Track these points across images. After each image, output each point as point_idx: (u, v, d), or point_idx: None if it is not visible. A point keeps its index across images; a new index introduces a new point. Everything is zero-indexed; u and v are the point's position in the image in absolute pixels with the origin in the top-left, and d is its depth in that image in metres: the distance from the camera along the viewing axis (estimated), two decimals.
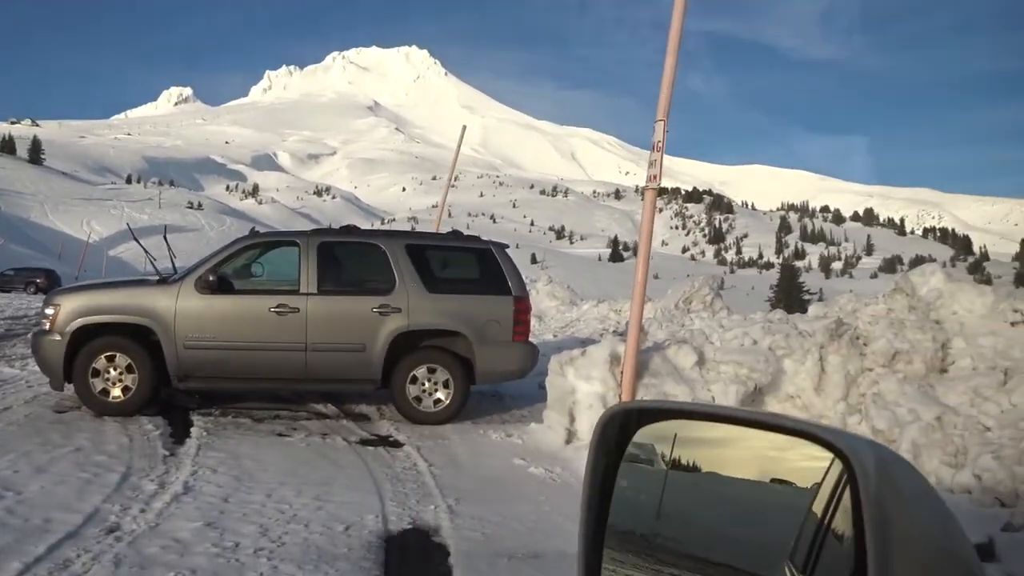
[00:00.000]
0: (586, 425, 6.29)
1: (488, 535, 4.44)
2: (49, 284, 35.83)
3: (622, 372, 6.31)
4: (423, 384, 7.39)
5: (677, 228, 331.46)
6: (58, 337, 6.97)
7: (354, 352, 7.23)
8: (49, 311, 7.13)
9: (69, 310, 7.06)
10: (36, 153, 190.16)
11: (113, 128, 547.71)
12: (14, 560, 3.64)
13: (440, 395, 7.41)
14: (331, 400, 8.15)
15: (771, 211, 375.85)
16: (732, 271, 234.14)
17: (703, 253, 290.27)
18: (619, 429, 1.22)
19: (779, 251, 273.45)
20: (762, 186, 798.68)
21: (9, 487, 4.73)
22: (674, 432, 1.19)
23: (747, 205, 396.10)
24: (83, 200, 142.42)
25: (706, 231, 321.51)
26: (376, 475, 5.55)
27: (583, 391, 6.44)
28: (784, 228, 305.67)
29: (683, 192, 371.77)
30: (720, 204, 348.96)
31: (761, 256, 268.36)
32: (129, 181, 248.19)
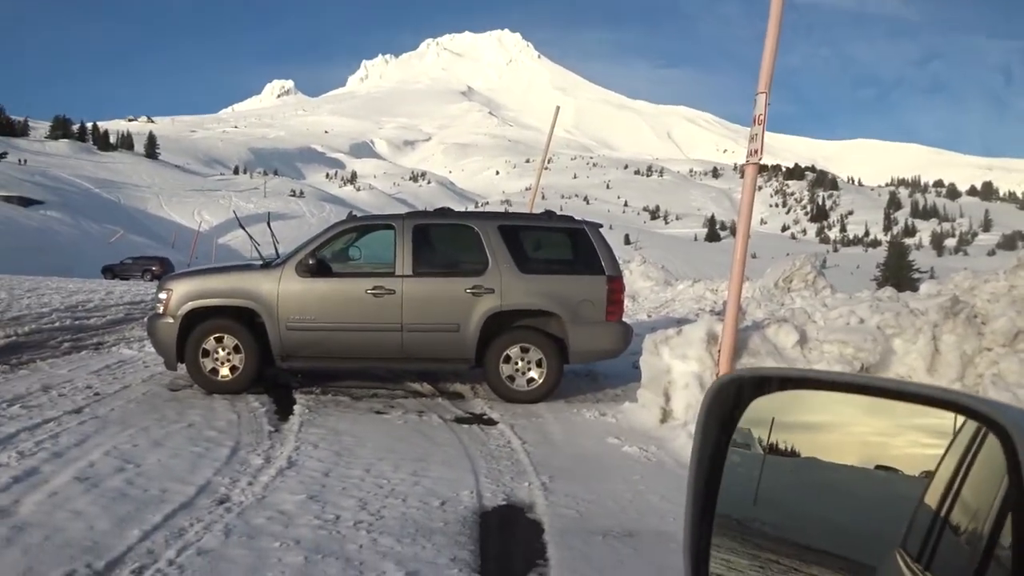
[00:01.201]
0: (682, 404, 6.18)
1: (582, 513, 4.43)
2: (163, 271, 37.77)
3: (719, 351, 6.16)
4: (516, 363, 7.42)
5: (777, 206, 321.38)
6: (171, 320, 7.32)
7: (448, 332, 7.31)
8: (162, 296, 7.49)
9: (180, 294, 7.40)
10: (152, 148, 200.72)
11: (221, 122, 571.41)
12: (134, 528, 3.86)
13: (533, 374, 7.42)
14: (427, 379, 8.29)
15: (879, 187, 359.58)
16: (835, 249, 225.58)
17: (804, 231, 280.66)
18: (731, 400, 1.15)
19: (887, 228, 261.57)
20: (870, 161, 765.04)
21: (129, 460, 5.01)
22: (772, 416, 1.14)
23: (853, 181, 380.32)
24: (194, 191, 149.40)
25: (808, 209, 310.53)
26: (471, 452, 5.61)
27: (678, 370, 6.32)
28: (893, 204, 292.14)
29: (783, 169, 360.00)
30: (823, 180, 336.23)
31: (867, 234, 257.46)
32: (236, 172, 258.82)
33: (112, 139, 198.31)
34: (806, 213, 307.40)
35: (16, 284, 20.95)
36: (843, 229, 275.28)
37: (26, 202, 71.08)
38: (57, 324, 12.19)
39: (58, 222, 65.00)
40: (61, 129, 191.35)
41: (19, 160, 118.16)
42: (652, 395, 6.49)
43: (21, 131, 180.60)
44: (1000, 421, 0.85)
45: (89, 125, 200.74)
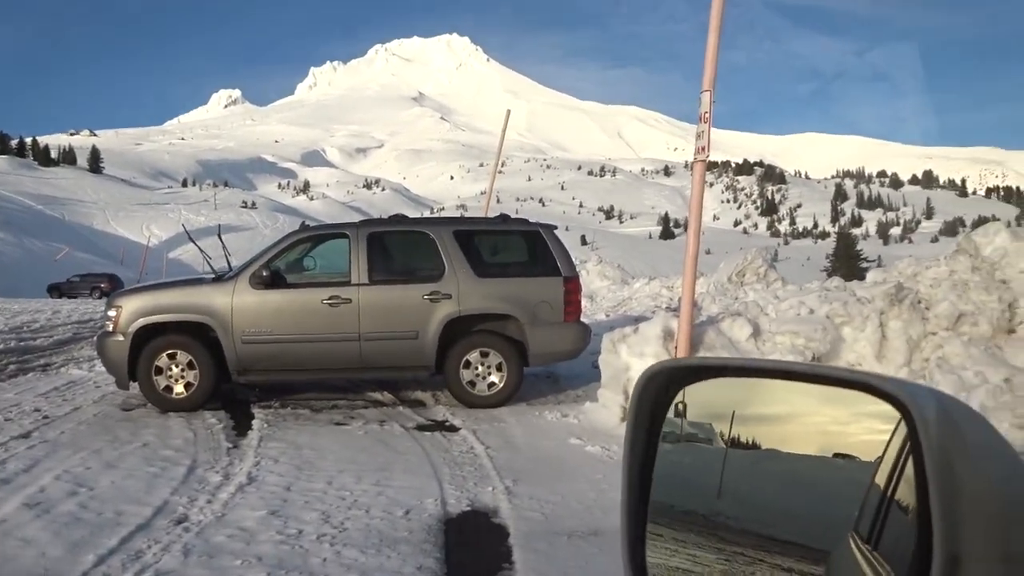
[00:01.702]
0: None
1: (547, 515, 4.43)
2: (112, 288, 36.93)
3: (676, 347, 6.22)
4: (476, 368, 7.40)
5: (728, 202, 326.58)
6: (121, 337, 7.16)
7: (407, 340, 7.27)
8: (111, 313, 7.32)
9: (130, 311, 7.24)
10: (96, 162, 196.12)
11: (167, 134, 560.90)
12: (88, 553, 3.76)
13: (494, 378, 7.41)
14: (387, 388, 8.24)
15: (825, 179, 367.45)
16: (786, 242, 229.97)
17: (756, 226, 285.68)
18: (661, 391, 1.17)
19: (835, 219, 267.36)
20: (815, 154, 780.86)
21: (82, 483, 4.88)
22: (732, 409, 1.15)
23: (800, 174, 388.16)
24: (142, 205, 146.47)
25: (758, 203, 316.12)
26: (434, 459, 5.58)
27: (637, 368, 6.36)
28: (839, 196, 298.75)
29: (733, 165, 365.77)
30: (772, 175, 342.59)
31: (816, 226, 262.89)
32: (185, 184, 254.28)
33: (53, 154, 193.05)
34: (756, 208, 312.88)
35: None
36: (792, 222, 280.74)
37: None
38: (1, 346, 11.84)
39: (0, 241, 63.15)
40: None
41: None
42: (612, 394, 6.53)
43: None
44: (896, 394, 0.89)
45: (28, 140, 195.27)
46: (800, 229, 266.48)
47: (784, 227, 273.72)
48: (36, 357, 11.05)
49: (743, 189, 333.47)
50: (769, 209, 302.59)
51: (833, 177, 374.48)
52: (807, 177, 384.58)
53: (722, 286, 12.60)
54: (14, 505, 4.42)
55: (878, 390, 0.95)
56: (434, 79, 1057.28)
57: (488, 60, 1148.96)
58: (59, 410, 7.20)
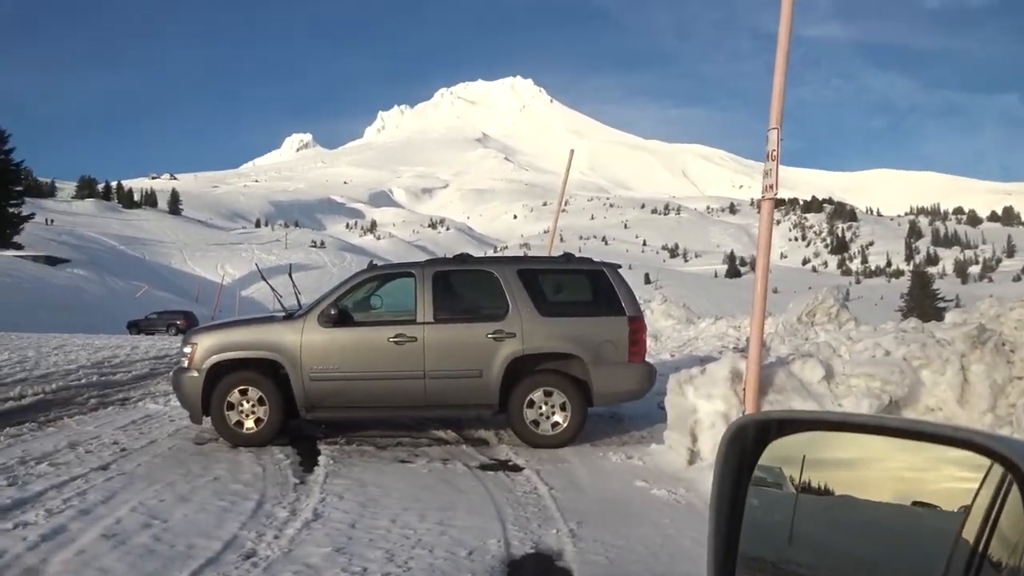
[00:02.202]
0: (709, 445, 6.10)
1: (612, 559, 4.35)
2: (188, 325, 38.09)
3: (744, 389, 6.09)
4: (540, 407, 7.37)
5: (796, 240, 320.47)
6: (196, 373, 7.37)
7: (471, 378, 7.30)
8: (187, 350, 7.55)
9: (205, 348, 7.46)
10: (175, 204, 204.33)
11: (242, 176, 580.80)
12: None
13: (558, 418, 7.37)
14: (451, 426, 8.26)
15: (898, 216, 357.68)
16: (858, 281, 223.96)
17: (825, 264, 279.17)
18: (749, 443, 1.15)
19: (909, 258, 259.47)
20: (887, 191, 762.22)
21: (156, 515, 5.01)
22: (803, 453, 1.13)
23: (872, 211, 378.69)
24: (217, 245, 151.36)
25: (828, 241, 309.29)
26: (497, 499, 5.55)
27: (704, 410, 6.26)
28: (914, 233, 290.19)
29: (801, 202, 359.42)
30: (842, 212, 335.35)
31: (889, 264, 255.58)
32: (258, 225, 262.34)
33: (136, 197, 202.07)
34: (826, 245, 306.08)
35: (44, 342, 21.19)
36: (864, 260, 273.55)
37: (53, 261, 72.19)
38: (84, 381, 12.30)
39: (84, 280, 65.92)
40: (87, 189, 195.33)
41: (46, 220, 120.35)
42: (678, 436, 6.42)
43: (48, 192, 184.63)
44: (1008, 456, 0.86)
45: (114, 184, 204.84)
46: (872, 267, 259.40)
47: (855, 265, 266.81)
48: (115, 391, 11.44)
49: (812, 227, 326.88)
50: (840, 247, 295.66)
51: (907, 214, 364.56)
52: (879, 214, 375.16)
53: (791, 326, 12.31)
54: (93, 536, 4.55)
55: (982, 447, 0.92)
56: (498, 121, 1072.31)
57: (551, 101, 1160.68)
58: (136, 443, 7.43)
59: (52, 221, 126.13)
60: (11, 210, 76.61)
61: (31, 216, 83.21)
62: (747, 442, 1.15)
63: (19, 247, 74.24)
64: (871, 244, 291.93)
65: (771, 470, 1.14)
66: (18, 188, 79.78)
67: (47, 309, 45.67)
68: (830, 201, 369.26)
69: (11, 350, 17.43)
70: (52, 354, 16.81)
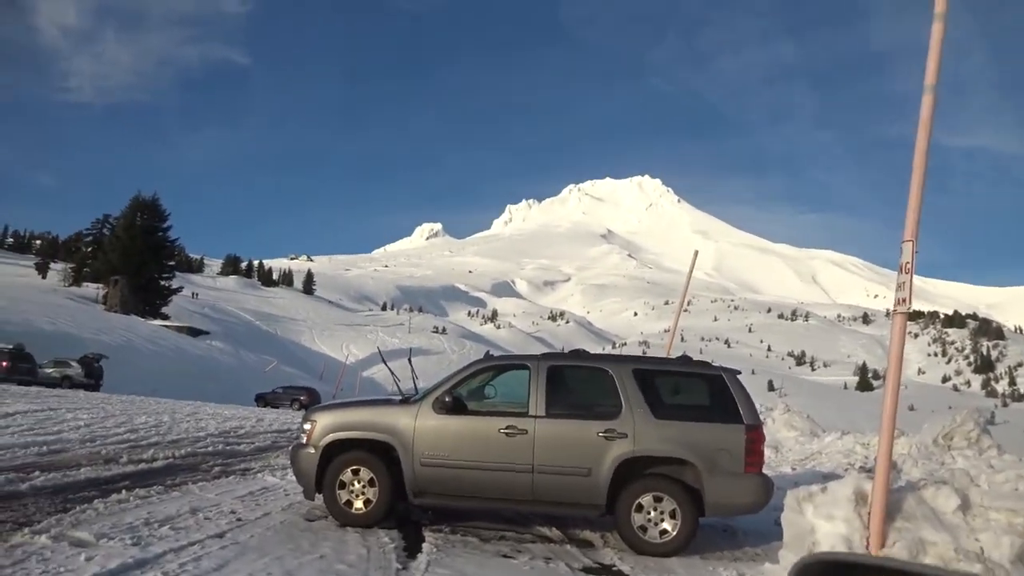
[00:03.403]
0: None
1: None
2: (310, 401, 39.49)
3: (869, 513, 5.71)
4: (649, 513, 7.14)
5: (936, 355, 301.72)
6: (313, 450, 7.62)
7: (579, 476, 7.19)
8: (307, 426, 7.82)
9: (323, 426, 7.71)
10: (309, 285, 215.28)
11: (373, 261, 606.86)
12: None
13: (666, 525, 7.11)
14: (556, 523, 8.10)
15: None
16: (1004, 404, 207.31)
17: (968, 383, 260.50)
18: None
19: None
20: None
21: None
22: None
23: (1020, 331, 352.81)
24: (344, 326, 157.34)
25: (971, 359, 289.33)
26: None
27: (824, 531, 5.89)
28: None
29: (941, 316, 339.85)
30: (987, 329, 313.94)
31: None
32: (384, 308, 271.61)
33: (275, 276, 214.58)
34: (969, 364, 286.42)
35: (178, 408, 22.44)
36: (1012, 382, 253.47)
37: (194, 332, 77.02)
38: (210, 448, 12.91)
39: (220, 351, 69.82)
40: (231, 266, 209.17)
41: (192, 294, 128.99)
42: (794, 556, 6.03)
43: (197, 268, 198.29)
44: None
45: (256, 263, 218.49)
46: (1022, 391, 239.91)
47: (1002, 387, 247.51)
48: (238, 461, 11.93)
49: (953, 343, 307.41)
50: (984, 366, 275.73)
51: None
52: None
53: (926, 448, 11.48)
54: None
55: None
56: (623, 218, 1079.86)
57: (679, 201, 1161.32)
58: (252, 514, 7.68)
59: (197, 295, 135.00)
60: (162, 283, 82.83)
61: (179, 289, 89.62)
62: None
63: (166, 317, 79.73)
64: (1020, 365, 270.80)
65: None
66: (170, 263, 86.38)
67: (185, 377, 48.48)
68: (974, 317, 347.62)
69: (148, 414, 18.55)
70: (184, 420, 17.76)
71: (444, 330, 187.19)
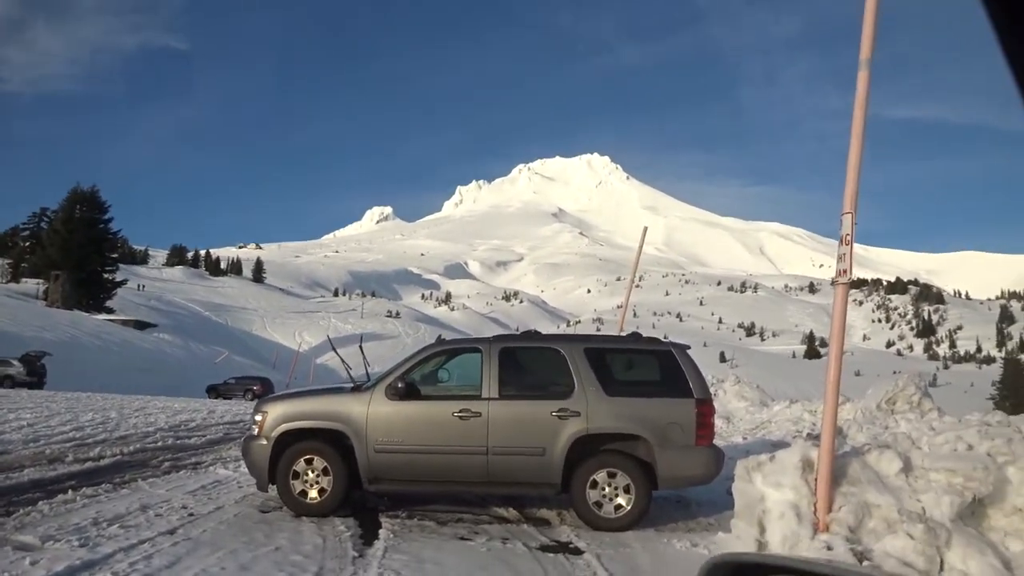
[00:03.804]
0: (778, 536, 5.85)
1: None
2: (264, 391, 38.99)
3: (815, 479, 5.85)
4: (603, 489, 7.22)
5: (880, 321, 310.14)
6: (265, 441, 7.53)
7: (534, 456, 7.23)
8: (258, 417, 7.73)
9: (275, 416, 7.62)
10: (259, 273, 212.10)
11: (323, 247, 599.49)
12: None
13: (621, 500, 7.20)
14: (512, 504, 8.15)
15: (989, 300, 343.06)
16: (946, 367, 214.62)
17: (911, 347, 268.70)
18: None
19: (1001, 344, 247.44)
20: (977, 274, 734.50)
21: None
22: None
23: (959, 294, 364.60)
24: (296, 313, 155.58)
25: (913, 324, 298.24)
26: None
27: (773, 499, 6.01)
28: (1005, 318, 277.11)
29: (884, 283, 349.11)
30: (928, 294, 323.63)
31: (980, 350, 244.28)
32: (336, 294, 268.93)
33: (223, 265, 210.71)
34: (911, 328, 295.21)
35: (127, 404, 21.96)
36: (952, 345, 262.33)
37: (142, 325, 75.34)
38: (160, 443, 12.67)
39: (169, 344, 68.42)
40: (177, 257, 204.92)
41: (138, 286, 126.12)
42: (746, 525, 6.17)
43: (142, 259, 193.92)
44: None
45: (203, 252, 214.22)
46: (962, 353, 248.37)
47: (943, 350, 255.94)
48: (189, 455, 11.74)
49: (896, 308, 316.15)
50: (926, 330, 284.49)
51: (998, 298, 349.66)
52: (968, 297, 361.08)
53: (871, 413, 11.81)
54: None
55: None
56: (574, 196, 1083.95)
57: (627, 178, 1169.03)
58: (204, 508, 7.57)
59: (143, 287, 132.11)
60: (106, 276, 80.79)
61: (124, 282, 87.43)
62: None
63: (111, 311, 77.86)
64: (959, 328, 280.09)
65: None
66: (113, 255, 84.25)
67: (133, 371, 47.44)
68: (915, 283, 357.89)
69: (96, 411, 18.11)
70: (133, 416, 17.39)
71: (398, 314, 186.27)
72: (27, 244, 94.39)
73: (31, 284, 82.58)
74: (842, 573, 1.08)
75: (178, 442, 13.20)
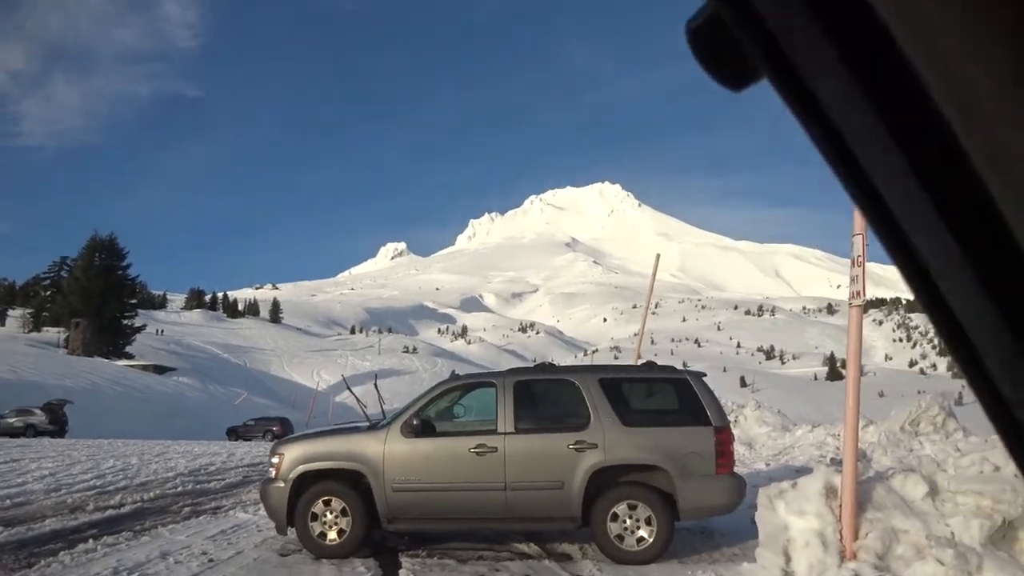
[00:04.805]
0: (803, 565, 5.74)
1: None
2: (283, 431, 38.97)
3: (840, 506, 5.76)
4: (624, 521, 7.14)
5: (901, 341, 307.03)
6: (282, 484, 7.50)
7: (552, 490, 7.17)
8: (275, 460, 7.72)
9: (291, 459, 7.61)
10: (276, 313, 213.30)
11: (339, 285, 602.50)
12: None
13: (643, 532, 7.11)
14: (534, 539, 8.06)
15: None
16: None
17: (934, 366, 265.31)
18: None
19: None
20: None
21: None
22: None
23: None
24: (314, 352, 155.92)
25: (935, 342, 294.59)
26: None
27: (797, 527, 5.92)
28: None
29: (904, 301, 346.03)
30: None
31: None
32: (353, 332, 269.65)
33: (240, 307, 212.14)
34: (933, 347, 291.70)
35: (147, 449, 22.03)
36: None
37: (161, 370, 75.75)
38: (180, 489, 12.67)
39: (189, 387, 68.71)
40: (195, 300, 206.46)
41: (157, 331, 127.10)
42: (771, 555, 6.07)
43: (160, 304, 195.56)
44: None
45: (220, 295, 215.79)
46: None
47: None
48: (209, 499, 11.72)
49: (917, 327, 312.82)
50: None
51: None
52: None
53: (894, 436, 11.63)
54: None
55: None
56: (587, 225, 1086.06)
57: (640, 205, 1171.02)
58: (223, 553, 7.53)
59: (162, 331, 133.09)
60: (125, 322, 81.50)
61: (143, 327, 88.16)
62: None
63: (131, 356, 78.38)
64: None
65: None
66: (132, 301, 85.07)
67: (153, 417, 47.63)
68: None
69: (116, 457, 18.17)
70: (153, 461, 17.43)
71: (415, 349, 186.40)
72: (48, 293, 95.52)
73: (52, 333, 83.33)
74: None
75: (198, 487, 13.20)
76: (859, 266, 5.95)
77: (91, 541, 7.97)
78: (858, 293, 5.94)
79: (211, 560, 7.21)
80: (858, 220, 5.98)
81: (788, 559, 5.95)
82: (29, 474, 13.87)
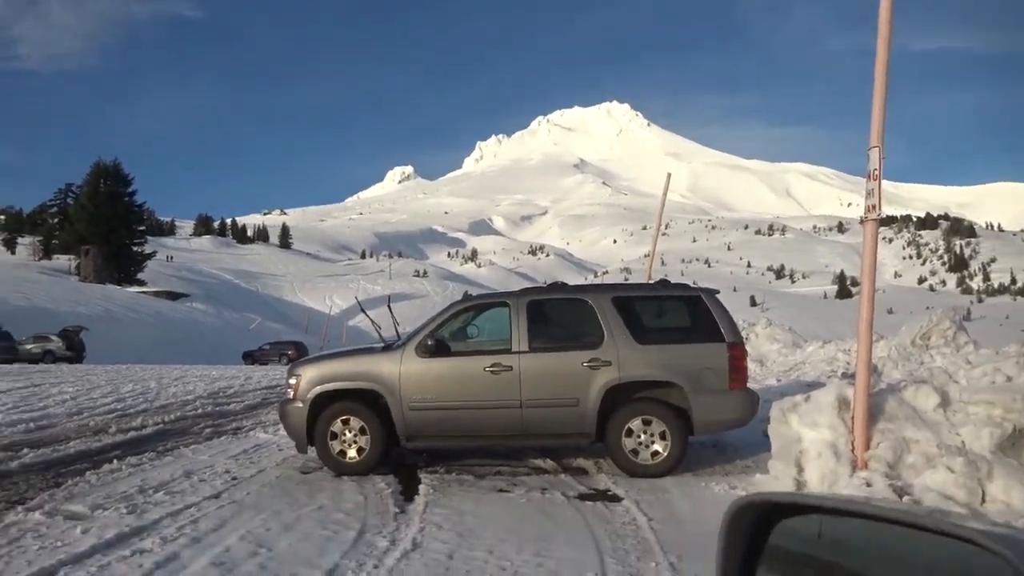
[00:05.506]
0: (816, 475, 5.85)
1: None
2: (298, 355, 39.47)
3: (852, 417, 5.82)
4: (639, 436, 7.24)
5: (911, 258, 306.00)
6: (300, 404, 7.62)
7: (567, 407, 7.26)
8: (292, 381, 7.82)
9: (308, 380, 7.71)
10: (285, 239, 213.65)
11: (347, 210, 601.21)
12: None
13: (657, 447, 7.22)
14: (549, 455, 8.21)
15: (1022, 232, 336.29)
16: (980, 300, 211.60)
17: (943, 283, 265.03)
18: (753, 523, 1.12)
19: None
20: (1009, 205, 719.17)
21: (263, 544, 5.18)
22: (816, 531, 1.08)
23: (992, 227, 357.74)
24: (325, 277, 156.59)
25: (945, 259, 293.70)
26: (595, 531, 5.47)
27: (809, 439, 6.01)
28: None
29: (914, 219, 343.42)
30: (959, 228, 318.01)
31: (1014, 281, 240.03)
32: (363, 256, 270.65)
33: (249, 232, 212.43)
34: (943, 263, 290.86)
35: (165, 373, 22.40)
36: (986, 278, 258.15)
37: (174, 296, 76.44)
38: (200, 411, 12.92)
39: (202, 313, 69.45)
40: (204, 227, 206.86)
41: (167, 257, 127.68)
42: (783, 466, 6.18)
43: (169, 230, 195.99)
44: (1008, 557, 0.81)
45: (229, 221, 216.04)
46: (996, 286, 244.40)
47: (977, 283, 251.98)
48: (229, 421, 11.96)
49: (927, 244, 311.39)
50: (958, 264, 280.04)
51: None
52: (1000, 229, 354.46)
53: (905, 350, 11.68)
54: (203, 564, 4.74)
55: (987, 547, 0.86)
56: (595, 146, 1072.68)
57: (648, 125, 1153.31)
58: (246, 472, 7.72)
59: (172, 258, 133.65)
60: (135, 248, 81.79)
61: (153, 254, 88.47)
62: (752, 522, 1.12)
63: (142, 283, 78.99)
64: (993, 261, 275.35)
65: (782, 551, 1.10)
66: (141, 228, 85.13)
67: (169, 342, 48.28)
68: (946, 217, 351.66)
69: (135, 381, 18.49)
70: (172, 385, 17.73)
71: (425, 273, 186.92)
72: (56, 221, 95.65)
73: (63, 260, 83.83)
74: (876, 510, 1.05)
75: (217, 409, 13.45)
76: (875, 180, 5.85)
77: (115, 461, 8.16)
78: (874, 207, 5.86)
79: (234, 478, 7.39)
80: (874, 132, 5.86)
81: (800, 470, 6.06)
82: (51, 398, 14.15)
